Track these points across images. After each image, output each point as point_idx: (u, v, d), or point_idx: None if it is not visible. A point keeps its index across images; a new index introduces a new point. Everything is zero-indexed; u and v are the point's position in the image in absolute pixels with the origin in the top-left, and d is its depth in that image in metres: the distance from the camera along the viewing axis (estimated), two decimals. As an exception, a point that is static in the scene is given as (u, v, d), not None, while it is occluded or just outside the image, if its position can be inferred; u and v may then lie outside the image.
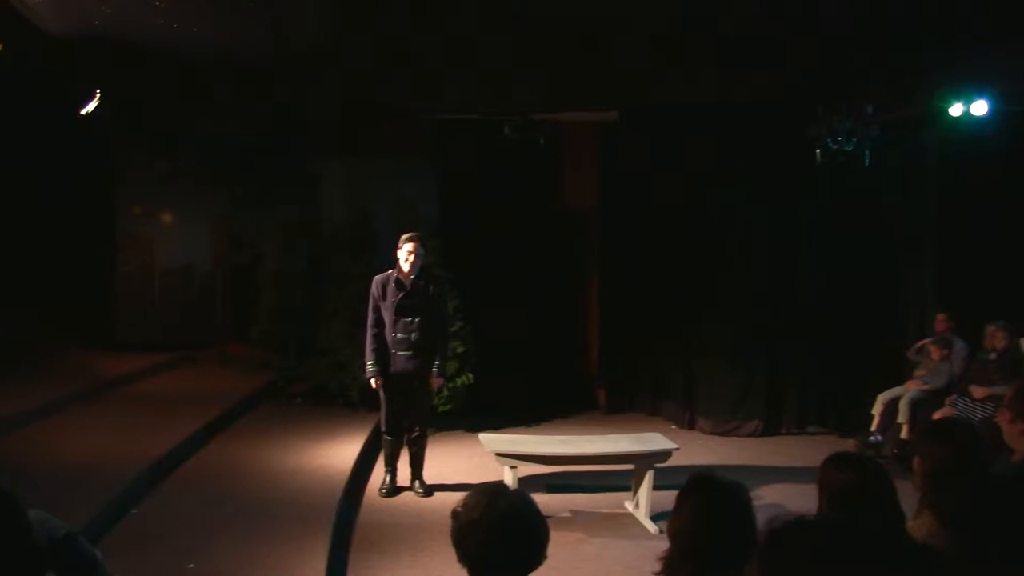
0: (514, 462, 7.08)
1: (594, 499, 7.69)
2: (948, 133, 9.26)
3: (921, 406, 8.99)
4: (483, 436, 7.56)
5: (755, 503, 2.69)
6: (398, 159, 11.27)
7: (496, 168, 11.20)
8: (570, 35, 7.34)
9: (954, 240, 9.75)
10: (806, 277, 10.43)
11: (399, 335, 7.45)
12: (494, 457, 7.15)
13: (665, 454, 7.22)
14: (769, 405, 10.43)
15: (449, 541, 2.56)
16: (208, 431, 8.37)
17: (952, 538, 2.88)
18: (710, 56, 7.96)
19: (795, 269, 10.45)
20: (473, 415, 9.84)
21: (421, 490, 7.68)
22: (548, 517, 2.58)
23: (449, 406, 9.76)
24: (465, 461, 8.70)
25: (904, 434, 8.96)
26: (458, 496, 2.62)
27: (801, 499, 6.47)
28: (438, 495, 7.62)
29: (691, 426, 10.56)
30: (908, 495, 3.07)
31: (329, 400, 9.97)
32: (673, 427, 10.46)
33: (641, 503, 7.17)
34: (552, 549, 2.57)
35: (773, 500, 7.31)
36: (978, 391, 8.64)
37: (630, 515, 7.33)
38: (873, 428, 9.37)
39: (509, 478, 6.94)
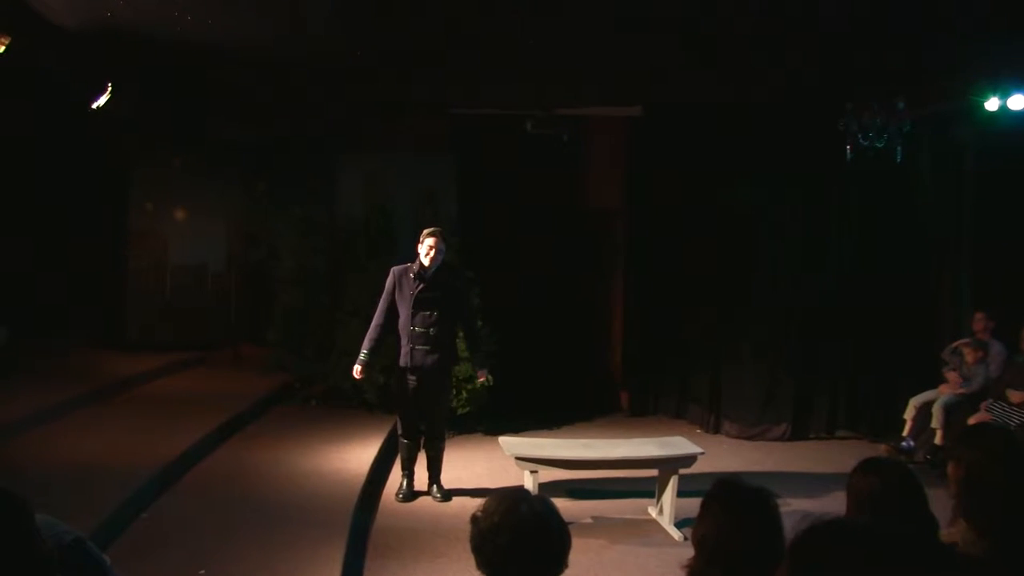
0: (535, 466, 7.07)
1: (617, 505, 7.69)
2: (984, 128, 9.18)
3: (955, 411, 8.92)
4: (503, 439, 7.55)
5: (782, 510, 2.69)
6: (418, 156, 11.29)
7: (518, 165, 11.21)
8: (595, 30, 7.34)
9: (991, 239, 9.67)
10: (837, 277, 10.39)
11: (417, 329, 7.44)
12: (514, 461, 7.16)
13: (690, 459, 7.21)
14: (797, 408, 10.39)
15: (468, 547, 2.56)
16: (221, 433, 8.39)
17: (987, 547, 2.86)
18: (738, 50, 7.94)
19: (826, 269, 10.42)
20: (493, 417, 9.87)
21: (439, 495, 7.68)
22: (570, 523, 2.57)
23: (468, 408, 9.77)
24: (484, 465, 8.72)
25: (938, 440, 8.89)
26: (477, 501, 2.62)
27: (830, 506, 6.45)
28: (456, 500, 7.64)
29: (717, 430, 10.55)
30: (942, 503, 3.05)
31: (345, 402, 9.98)
32: (698, 431, 10.46)
33: (665, 509, 7.15)
34: (574, 556, 2.56)
35: (801, 507, 7.26)
36: (1015, 395, 8.56)
37: (654, 521, 7.32)
38: (905, 433, 9.30)
39: (530, 483, 6.93)
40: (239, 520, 6.27)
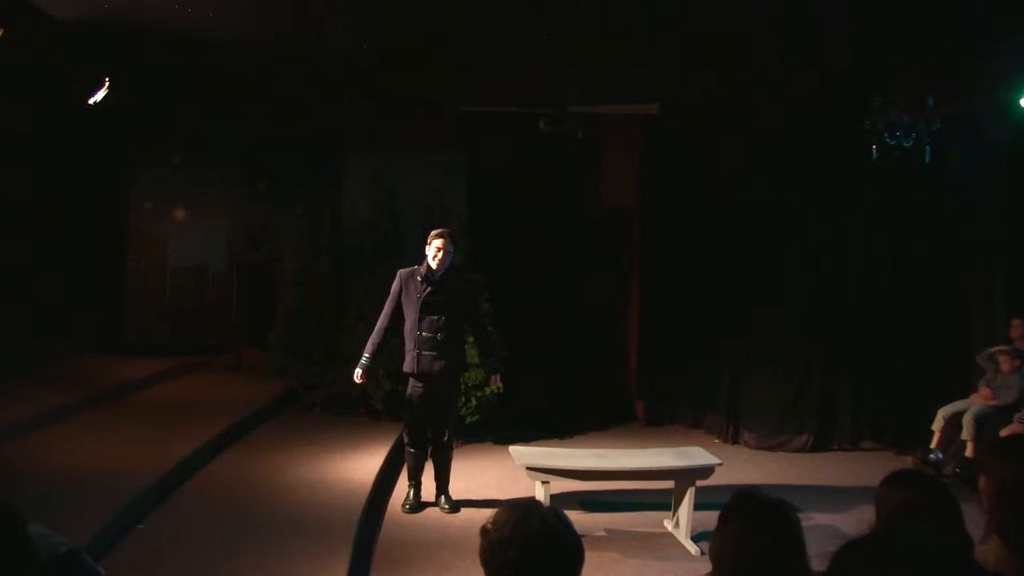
0: (546, 477, 7.05)
1: (631, 517, 7.66)
2: (1018, 125, 9.13)
3: (987, 422, 8.84)
4: (513, 449, 7.55)
5: (804, 524, 2.67)
6: (427, 155, 11.31)
7: (530, 165, 11.22)
8: (613, 26, 7.34)
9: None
10: (862, 281, 10.36)
11: (424, 333, 7.43)
12: (525, 471, 7.14)
13: (707, 470, 7.18)
14: (820, 418, 10.35)
15: (477, 560, 2.54)
16: (221, 441, 8.41)
17: (1020, 565, 2.83)
18: (757, 42, 7.93)
19: (850, 272, 10.39)
20: (503, 426, 9.87)
21: (447, 506, 7.67)
22: (582, 536, 2.56)
23: (477, 416, 9.76)
24: (494, 475, 8.71)
25: (968, 452, 8.82)
26: (487, 512, 2.61)
27: (854, 520, 6.42)
28: (465, 511, 7.62)
29: (735, 440, 10.53)
30: (973, 519, 3.02)
31: (350, 409, 9.99)
32: (716, 441, 10.44)
33: (681, 522, 7.13)
34: (586, 570, 2.54)
35: (823, 521, 7.25)
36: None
37: (670, 535, 7.29)
38: (933, 445, 9.22)
39: (541, 494, 6.92)
40: (239, 531, 6.27)
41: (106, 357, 11.05)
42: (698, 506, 6.95)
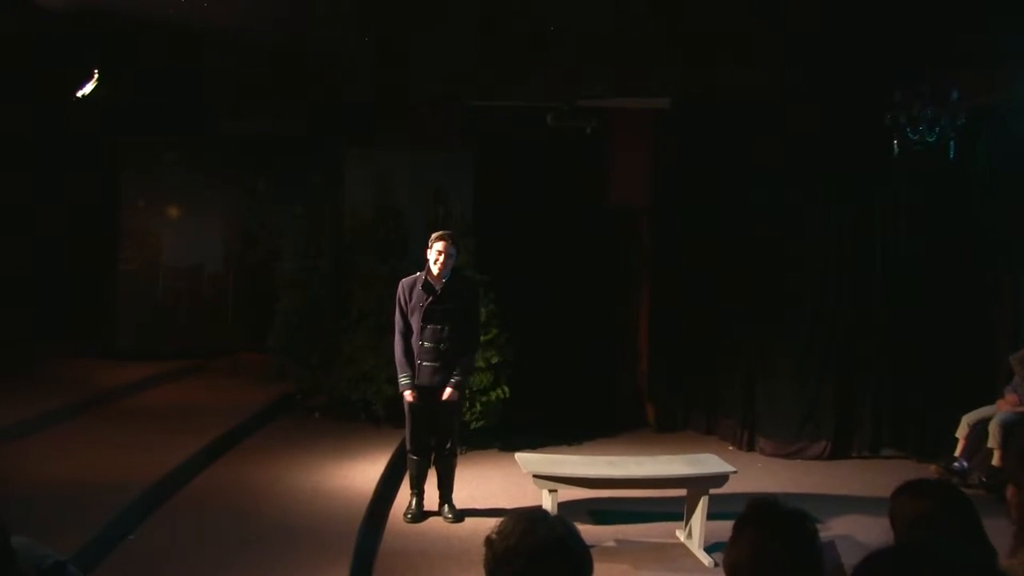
0: (554, 485, 7.05)
1: (642, 527, 7.66)
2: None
3: (1015, 429, 8.78)
4: (519, 456, 7.55)
5: (822, 535, 2.65)
6: (430, 152, 11.31)
7: (537, 162, 11.22)
8: (624, 14, 7.33)
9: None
10: (883, 282, 10.32)
11: (427, 344, 7.42)
12: (531, 479, 7.14)
13: (721, 478, 7.17)
14: (839, 425, 10.32)
15: (481, 572, 2.54)
16: (216, 448, 8.41)
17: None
18: (772, 32, 7.92)
19: (871, 273, 10.35)
20: (508, 432, 9.86)
21: (450, 515, 7.67)
22: (591, 547, 2.55)
23: (482, 422, 9.76)
24: (499, 483, 8.71)
25: (995, 461, 8.74)
26: (492, 522, 2.60)
27: (874, 531, 6.39)
28: (469, 521, 7.62)
29: (750, 447, 10.51)
30: (1000, 531, 3.01)
31: (351, 415, 10.00)
32: (730, 448, 10.43)
33: (694, 532, 7.12)
34: (595, 583, 2.54)
35: (842, 532, 7.23)
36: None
37: (682, 545, 7.28)
38: (958, 453, 9.16)
39: (548, 503, 6.93)
40: (234, 542, 6.27)
41: (97, 360, 11.05)
42: (711, 516, 6.95)
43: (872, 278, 10.36)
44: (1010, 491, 3.04)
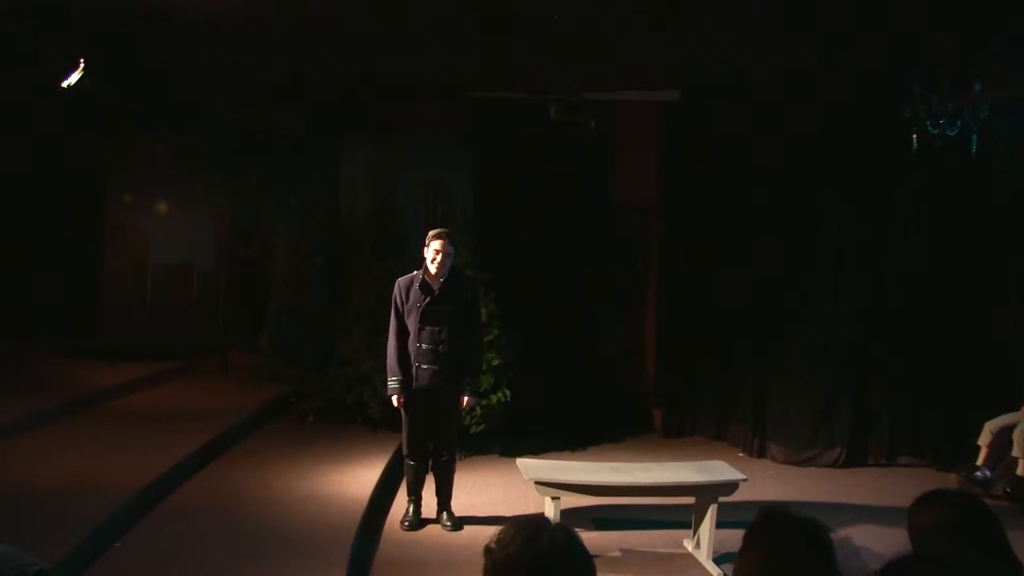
0: (557, 492, 7.04)
1: (648, 536, 7.64)
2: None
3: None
4: (521, 461, 7.55)
5: (836, 546, 2.64)
6: (429, 145, 11.31)
7: (539, 158, 11.21)
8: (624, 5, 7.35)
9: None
10: (901, 282, 10.29)
11: (424, 346, 7.42)
12: (533, 486, 7.13)
13: (731, 485, 7.17)
14: (854, 430, 10.29)
15: (480, 582, 2.54)
16: (206, 452, 8.42)
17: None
18: (784, 24, 7.92)
19: (888, 273, 10.32)
20: (509, 437, 9.87)
21: (449, 523, 7.67)
22: (595, 556, 2.55)
23: (482, 426, 9.76)
24: (500, 490, 8.71)
25: (1020, 470, 8.73)
26: (492, 530, 2.60)
27: (890, 542, 6.39)
28: (468, 529, 7.62)
29: (761, 453, 10.49)
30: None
31: (346, 418, 10.00)
32: (740, 454, 10.41)
33: (703, 542, 7.11)
34: (599, 594, 2.54)
35: (857, 542, 7.23)
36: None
37: (690, 555, 7.28)
38: (980, 462, 9.13)
39: (551, 510, 6.91)
40: (225, 550, 6.27)
41: (82, 362, 11.06)
42: (721, 524, 6.91)
43: (888, 279, 10.33)
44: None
